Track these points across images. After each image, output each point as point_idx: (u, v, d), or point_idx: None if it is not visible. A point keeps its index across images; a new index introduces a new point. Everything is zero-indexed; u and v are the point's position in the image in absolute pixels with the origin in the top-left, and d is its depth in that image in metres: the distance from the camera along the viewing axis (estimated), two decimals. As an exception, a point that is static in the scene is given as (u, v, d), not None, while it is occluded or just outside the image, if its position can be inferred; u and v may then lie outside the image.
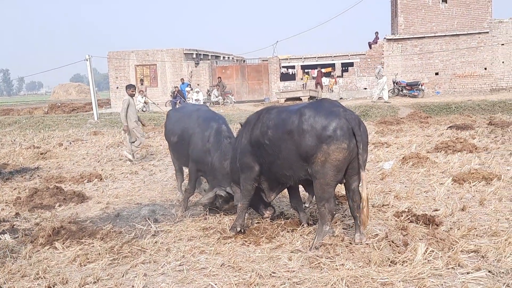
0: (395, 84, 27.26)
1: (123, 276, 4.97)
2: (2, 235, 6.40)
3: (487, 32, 28.00)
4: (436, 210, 6.66)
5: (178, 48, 33.03)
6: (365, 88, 29.60)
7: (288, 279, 4.66)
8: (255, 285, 4.55)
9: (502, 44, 27.96)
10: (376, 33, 30.46)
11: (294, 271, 4.83)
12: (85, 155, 13.86)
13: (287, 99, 29.20)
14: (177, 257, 5.35)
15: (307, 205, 6.96)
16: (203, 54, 35.53)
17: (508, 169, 8.95)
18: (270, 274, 4.77)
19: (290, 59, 33.13)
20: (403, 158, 10.22)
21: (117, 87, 33.83)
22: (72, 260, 5.44)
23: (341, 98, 28.47)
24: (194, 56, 33.81)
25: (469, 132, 14.31)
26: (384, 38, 29.62)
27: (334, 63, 34.05)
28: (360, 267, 4.78)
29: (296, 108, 5.65)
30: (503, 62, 28.21)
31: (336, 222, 6.20)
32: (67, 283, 4.88)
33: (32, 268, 5.27)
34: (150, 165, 11.75)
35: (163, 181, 9.83)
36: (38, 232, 6.26)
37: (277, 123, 5.67)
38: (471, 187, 7.80)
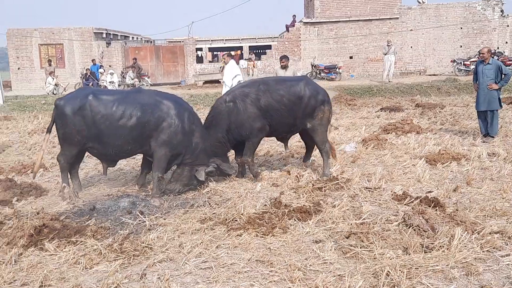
0: (313, 67, 27.66)
1: (143, 279, 4.43)
2: (-32, 237, 5.50)
3: (397, 18, 29.20)
4: (430, 192, 6.70)
5: (88, 27, 31.12)
6: (283, 71, 29.71)
7: (330, 271, 4.40)
8: (300, 280, 4.24)
9: (411, 30, 29.32)
10: (294, 16, 30.66)
11: (332, 263, 4.58)
12: (9, 143, 12.57)
13: (205, 82, 28.70)
14: (195, 253, 4.87)
15: (286, 150, 8.86)
16: (113, 34, 33.82)
17: (463, 149, 9.32)
18: (308, 268, 4.48)
19: (197, 41, 32.51)
20: (363, 140, 10.28)
21: (19, 68, 31.27)
22: (74, 262, 4.78)
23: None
24: (104, 35, 32.06)
25: (402, 114, 14.85)
26: (301, 21, 29.90)
27: (242, 46, 34.02)
28: (399, 255, 4.62)
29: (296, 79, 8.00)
30: (411, 47, 29.63)
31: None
32: (81, 290, 4.26)
33: (28, 274, 4.57)
34: (93, 152, 10.82)
35: (120, 169, 9.10)
36: (14, 232, 5.45)
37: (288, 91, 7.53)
38: (444, 167, 8.00)
